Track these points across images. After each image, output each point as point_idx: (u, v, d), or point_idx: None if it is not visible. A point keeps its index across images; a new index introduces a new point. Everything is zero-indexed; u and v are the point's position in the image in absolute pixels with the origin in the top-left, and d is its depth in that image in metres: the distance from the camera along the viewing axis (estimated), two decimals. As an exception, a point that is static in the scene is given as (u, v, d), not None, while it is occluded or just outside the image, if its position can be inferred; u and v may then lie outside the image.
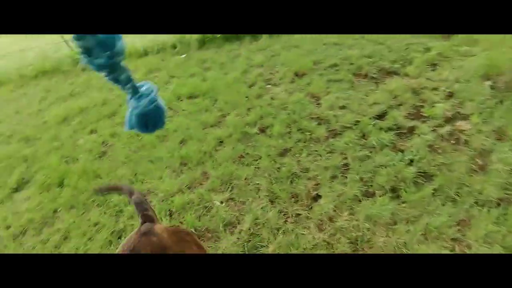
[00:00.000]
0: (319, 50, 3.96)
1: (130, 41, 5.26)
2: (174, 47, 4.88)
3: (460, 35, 3.51)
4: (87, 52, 0.68)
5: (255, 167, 2.38)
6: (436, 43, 3.50)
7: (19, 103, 4.70)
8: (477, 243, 1.55)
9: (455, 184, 1.86)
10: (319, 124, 2.66)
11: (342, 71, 3.39)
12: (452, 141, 2.19)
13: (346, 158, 2.25)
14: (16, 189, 2.81)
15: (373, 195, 1.95)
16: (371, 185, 2.00)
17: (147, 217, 1.24)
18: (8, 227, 2.38)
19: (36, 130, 3.72)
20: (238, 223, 1.97)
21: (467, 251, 1.54)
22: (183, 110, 3.34)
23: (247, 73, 3.83)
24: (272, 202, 2.06)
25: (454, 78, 2.80)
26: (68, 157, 3.04)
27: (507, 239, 1.54)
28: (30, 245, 2.18)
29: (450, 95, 2.63)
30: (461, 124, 2.31)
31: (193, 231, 1.96)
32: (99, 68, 0.71)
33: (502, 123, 2.18)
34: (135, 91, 0.82)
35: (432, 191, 1.86)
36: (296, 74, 3.55)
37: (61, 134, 3.49)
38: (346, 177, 2.10)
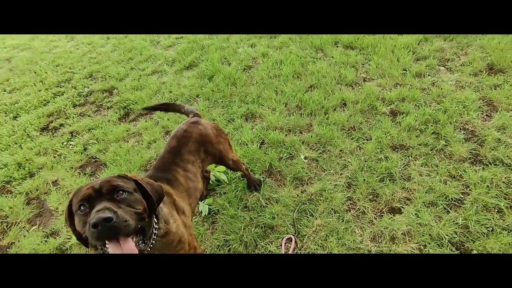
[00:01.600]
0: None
1: None
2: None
3: None
4: None
5: (358, 146, 2.20)
6: None
7: None
8: None
9: None
10: (467, 140, 2.07)
11: None
12: None
13: (467, 194, 1.75)
14: (187, 68, 3.65)
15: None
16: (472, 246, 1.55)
17: (196, 114, 1.67)
18: (170, 92, 3.24)
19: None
20: (306, 184, 2.01)
21: None
22: (331, 57, 3.20)
23: (424, 42, 3.14)
24: (349, 186, 1.95)
25: None
26: (226, 59, 3.62)
27: None
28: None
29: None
30: None
31: (269, 167, 2.15)
32: None
33: None
34: None
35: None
36: (490, 67, 2.66)
37: (231, 38, 4.08)
38: (449, 212, 1.69)
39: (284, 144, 2.30)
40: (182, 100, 3.06)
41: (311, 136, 2.31)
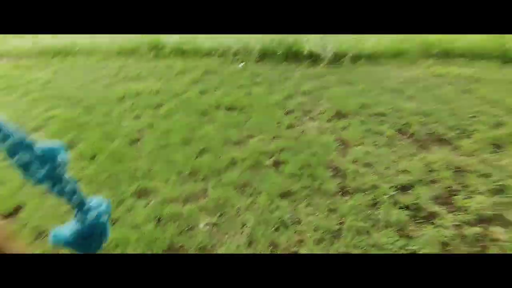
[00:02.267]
0: (372, 93, 3.69)
1: (198, 40, 5.63)
2: (235, 54, 5.07)
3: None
4: (25, 167, 0.65)
5: (252, 201, 2.35)
6: (511, 119, 2.96)
7: (99, 74, 5.44)
8: None
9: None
10: (333, 175, 2.50)
11: (386, 123, 3.11)
12: (475, 248, 1.84)
13: (342, 223, 2.07)
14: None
15: (352, 276, 1.76)
16: (355, 265, 1.81)
17: None
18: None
19: (98, 102, 4.27)
20: (211, 249, 1.98)
21: None
22: (215, 122, 3.46)
23: (290, 99, 3.78)
24: (250, 244, 2.02)
25: (513, 170, 2.34)
26: (108, 135, 3.42)
27: None
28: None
29: (500, 190, 2.21)
30: (496, 230, 1.92)
31: (169, 245, 2.04)
32: (39, 182, 0.66)
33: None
34: (81, 204, 0.75)
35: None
36: (337, 114, 3.38)
37: (113, 112, 3.94)
38: (331, 245, 1.94)
39: (183, 216, 2.25)
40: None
41: (208, 201, 2.35)
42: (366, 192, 2.30)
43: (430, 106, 3.31)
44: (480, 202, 2.10)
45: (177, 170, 2.72)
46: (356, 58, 4.53)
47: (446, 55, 4.36)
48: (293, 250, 1.93)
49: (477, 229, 1.94)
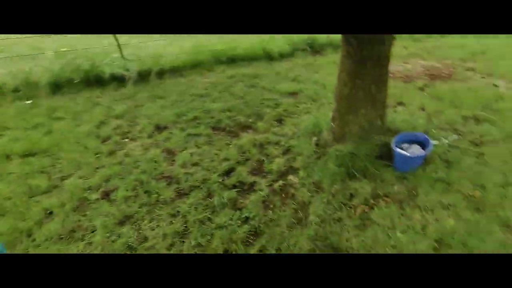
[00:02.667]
0: (184, 102, 4.04)
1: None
2: (16, 90, 4.14)
3: (303, 94, 4.19)
4: None
5: (87, 243, 2.08)
6: (284, 99, 4.06)
7: None
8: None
9: (277, 240, 2.04)
10: (168, 184, 2.60)
11: (202, 125, 3.50)
12: (282, 195, 2.45)
13: (187, 222, 2.21)
14: None
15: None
16: (207, 249, 2.00)
17: None
18: None
19: None
20: None
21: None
22: (9, 173, 2.75)
23: (104, 125, 3.54)
24: (97, 287, 1.80)
25: (292, 134, 3.25)
26: None
27: None
28: None
29: (287, 150, 3.01)
30: (291, 178, 2.63)
31: None
32: None
33: (319, 177, 2.58)
34: None
35: (259, 248, 1.98)
36: (157, 128, 3.48)
37: None
38: (184, 242, 2.05)
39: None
40: None
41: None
42: (200, 187, 2.55)
43: (231, 102, 4.01)
44: (278, 163, 2.79)
45: (-39, 254, 2.00)
46: (161, 74, 4.77)
47: (232, 60, 5.35)
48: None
49: (280, 182, 2.58)
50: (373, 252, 1.92)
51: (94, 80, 4.44)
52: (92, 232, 2.16)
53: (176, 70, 4.95)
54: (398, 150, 2.51)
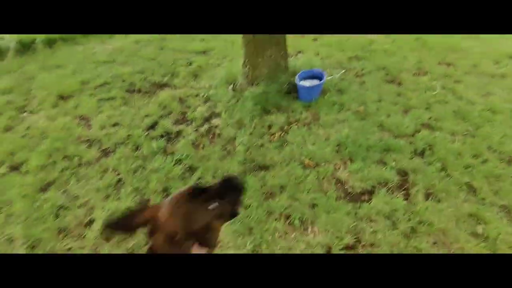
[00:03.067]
0: (87, 69, 3.70)
1: None
2: None
3: (213, 51, 4.31)
4: None
5: (6, 215, 1.90)
6: (196, 57, 4.12)
7: None
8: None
9: (212, 169, 2.25)
10: (89, 146, 2.49)
11: (114, 89, 3.32)
12: (210, 136, 2.64)
13: (119, 174, 2.22)
14: None
15: (148, 200, 2.03)
16: (145, 193, 2.08)
17: None
18: None
19: None
20: None
21: (223, 220, 1.89)
22: None
23: (-12, 103, 3.01)
24: (33, 247, 1.72)
25: (209, 86, 3.39)
26: None
27: (247, 200, 2.02)
28: None
29: (207, 99, 3.16)
30: (215, 121, 2.83)
31: None
32: None
33: (240, 116, 2.84)
34: None
35: (196, 181, 2.16)
36: (61, 97, 3.15)
37: None
38: (121, 191, 2.07)
39: None
40: None
41: None
42: (125, 143, 2.52)
43: (143, 65, 3.86)
44: (200, 111, 2.94)
45: None
46: (50, 42, 4.18)
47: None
48: (86, 220, 1.87)
49: (206, 126, 2.75)
50: (290, 164, 2.31)
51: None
52: (9, 205, 1.97)
53: (68, 38, 4.38)
54: (301, 83, 2.95)
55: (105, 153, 2.43)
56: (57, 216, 1.90)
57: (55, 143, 2.46)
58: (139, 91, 3.34)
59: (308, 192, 2.07)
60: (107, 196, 2.04)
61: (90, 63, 3.86)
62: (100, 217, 1.89)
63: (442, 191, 2.07)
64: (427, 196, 2.06)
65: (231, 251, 1.72)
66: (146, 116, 2.87)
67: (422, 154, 2.42)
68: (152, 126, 2.74)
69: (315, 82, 3.06)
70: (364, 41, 4.66)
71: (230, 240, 1.77)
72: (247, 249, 1.72)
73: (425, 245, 1.75)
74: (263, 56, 2.94)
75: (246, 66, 3.05)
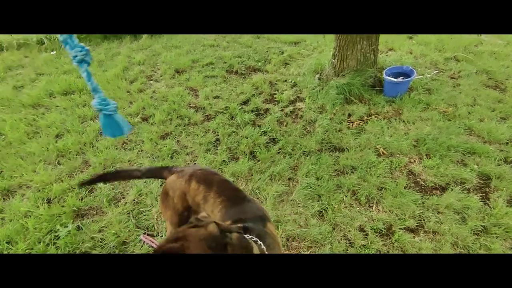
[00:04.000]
0: (197, 51, 4.42)
1: (-22, 34, 4.50)
2: (40, 42, 4.45)
3: (305, 43, 4.59)
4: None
5: (138, 151, 2.60)
6: (288, 47, 4.46)
7: None
8: (302, 179, 2.25)
9: (292, 144, 2.58)
10: (196, 111, 3.09)
11: (217, 68, 3.92)
12: (293, 116, 2.97)
13: (217, 135, 2.74)
14: None
15: (237, 159, 2.48)
16: (236, 152, 2.54)
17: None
18: None
19: None
20: (123, 197, 2.17)
21: (297, 185, 2.21)
22: (57, 106, 3.19)
23: (128, 70, 3.94)
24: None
25: (297, 73, 3.71)
26: None
27: (319, 173, 2.29)
28: None
29: (294, 85, 3.49)
30: (299, 104, 3.14)
31: (76, 210, 2.06)
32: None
33: (322, 102, 3.09)
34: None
35: (277, 150, 2.53)
36: (177, 71, 3.89)
37: None
38: (217, 148, 2.58)
39: (75, 187, 2.23)
40: None
41: (95, 167, 2.40)
42: (223, 113, 3.04)
43: (240, 51, 4.40)
44: (287, 94, 3.28)
45: (40, 159, 2.50)
46: (172, 27, 5.08)
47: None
48: (189, 164, 2.43)
49: (290, 108, 3.09)
50: (365, 150, 2.47)
51: (112, 35, 4.74)
52: (141, 144, 2.67)
53: (185, 24, 5.24)
54: (387, 77, 3.01)
55: (208, 118, 2.99)
56: (171, 157, 2.50)
57: (172, 105, 3.14)
58: (236, 72, 3.86)
59: (378, 176, 2.23)
60: (207, 150, 2.57)
61: (200, 46, 4.58)
62: (201, 163, 2.41)
63: (528, 201, 1.98)
64: (510, 202, 2.00)
65: (300, 210, 2.03)
66: (241, 93, 3.36)
67: (513, 162, 2.29)
68: (245, 102, 3.21)
69: (402, 79, 3.08)
70: (470, 41, 4.30)
71: (302, 200, 2.08)
72: (315, 210, 2.00)
73: (498, 246, 1.75)
74: (352, 50, 3.09)
75: (335, 58, 3.25)
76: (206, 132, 2.78)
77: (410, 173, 2.28)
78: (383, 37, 4.53)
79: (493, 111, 2.86)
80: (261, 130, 2.77)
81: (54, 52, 4.38)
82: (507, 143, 2.48)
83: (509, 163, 2.28)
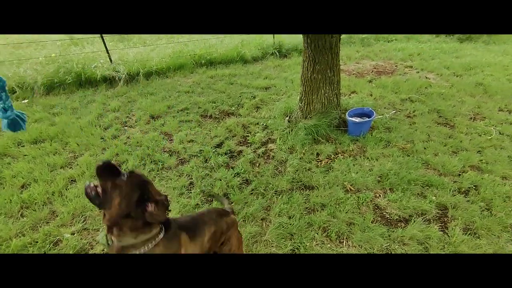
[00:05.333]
0: (172, 97, 4.58)
1: None
2: (12, 91, 4.44)
3: (275, 88, 4.92)
4: None
5: (110, 198, 2.55)
6: (259, 92, 4.75)
7: None
8: (274, 218, 2.30)
9: (264, 184, 2.66)
10: (170, 155, 3.14)
11: (191, 113, 4.07)
12: (265, 157, 3.09)
13: (191, 178, 2.77)
14: None
15: (211, 201, 2.50)
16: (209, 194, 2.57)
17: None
18: None
19: None
20: (91, 248, 2.09)
21: (270, 225, 2.25)
22: (24, 155, 3.12)
23: (102, 117, 3.98)
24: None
25: (268, 116, 3.92)
26: None
27: (291, 211, 2.35)
28: None
29: (266, 127, 3.67)
30: (271, 146, 3.29)
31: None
32: None
33: (292, 143, 3.26)
34: None
35: (250, 191, 2.59)
36: (152, 117, 3.99)
37: None
38: (191, 192, 2.60)
39: (38, 240, 2.13)
40: None
41: (63, 217, 2.32)
42: (197, 156, 3.11)
43: (215, 96, 4.62)
44: (259, 136, 3.44)
45: (0, 212, 2.38)
46: (148, 75, 5.29)
47: (211, 63, 6.00)
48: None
49: (262, 149, 3.22)
50: (333, 187, 2.60)
51: (86, 82, 4.84)
52: (113, 190, 2.63)
53: (161, 72, 5.48)
54: (350, 118, 3.28)
55: (182, 161, 3.04)
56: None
57: (146, 151, 3.17)
58: (211, 116, 4.02)
59: (346, 212, 2.32)
60: (181, 194, 2.58)
61: (175, 92, 4.77)
62: (174, 208, 2.41)
63: (483, 228, 2.14)
64: (466, 230, 2.14)
65: (274, 250, 2.05)
66: (215, 136, 3.48)
67: (466, 192, 2.49)
68: (219, 145, 3.32)
69: (364, 119, 3.36)
70: (421, 83, 4.82)
71: (274, 240, 2.11)
72: (288, 249, 2.03)
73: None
74: (317, 94, 3.38)
75: (302, 101, 3.51)
76: (180, 176, 2.81)
77: (376, 207, 2.40)
78: (345, 81, 4.97)
79: (445, 145, 3.15)
80: (235, 172, 2.84)
81: (26, 100, 4.37)
82: (459, 174, 2.71)
83: (463, 193, 2.48)
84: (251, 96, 4.62)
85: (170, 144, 3.35)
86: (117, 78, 4.91)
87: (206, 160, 3.05)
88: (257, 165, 2.96)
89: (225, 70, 5.75)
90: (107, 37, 5.60)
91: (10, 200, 2.49)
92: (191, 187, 2.68)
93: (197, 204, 2.45)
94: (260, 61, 6.44)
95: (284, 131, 3.48)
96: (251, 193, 2.58)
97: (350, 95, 4.58)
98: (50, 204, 2.48)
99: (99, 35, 5.28)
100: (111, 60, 5.23)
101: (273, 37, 6.90)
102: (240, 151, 3.20)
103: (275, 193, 2.56)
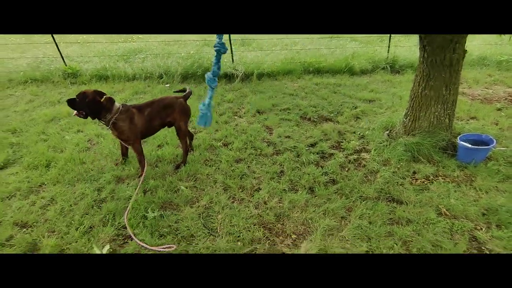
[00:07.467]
0: (278, 97, 5.04)
1: (122, 66, 6.08)
2: (160, 76, 5.74)
3: (379, 102, 4.81)
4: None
5: (216, 168, 3.11)
6: (362, 104, 4.73)
7: (5, 102, 5.08)
8: (354, 219, 2.37)
9: (350, 187, 2.74)
10: (268, 145, 3.53)
11: (292, 113, 4.41)
12: (356, 164, 3.15)
13: (283, 167, 3.08)
14: (2, 168, 3.19)
15: (296, 190, 2.75)
16: (297, 185, 2.82)
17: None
18: (-4, 192, 2.77)
19: (23, 125, 4.16)
20: (197, 201, 2.63)
21: (349, 224, 2.34)
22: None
23: (219, 106, 4.74)
24: (225, 190, 2.77)
25: (367, 127, 3.91)
26: (55, 147, 3.53)
27: (373, 218, 2.38)
28: (17, 206, 2.60)
29: (362, 137, 3.69)
30: (364, 155, 3.30)
31: (163, 203, 2.58)
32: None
33: (388, 156, 3.19)
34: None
35: (335, 190, 2.72)
36: (258, 111, 4.52)
37: (48, 130, 3.97)
38: (281, 178, 2.91)
39: (164, 185, 2.80)
40: (21, 196, 2.75)
41: (181, 174, 2.98)
42: (291, 150, 3.41)
43: (316, 101, 4.85)
44: (353, 144, 3.49)
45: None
46: (260, 76, 5.94)
47: (318, 71, 6.26)
48: (256, 187, 2.79)
49: (354, 156, 3.27)
50: (425, 207, 2.47)
51: (211, 75, 5.81)
52: (219, 163, 3.19)
53: (271, 75, 6.07)
54: (462, 142, 2.98)
55: (277, 152, 3.39)
56: (241, 178, 2.92)
57: (249, 138, 3.66)
58: (309, 119, 4.27)
59: (435, 234, 2.20)
60: (272, 178, 2.92)
61: (281, 93, 5.23)
62: (264, 188, 2.75)
63: None
64: None
65: (348, 246, 2.14)
66: (310, 137, 3.71)
67: None
68: (313, 145, 3.53)
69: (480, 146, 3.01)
70: None
71: (350, 238, 2.20)
72: (362, 249, 2.10)
73: None
74: (426, 111, 3.20)
75: (406, 117, 3.39)
76: (273, 164, 3.16)
77: (473, 239, 2.18)
78: (465, 105, 4.45)
79: None
80: (323, 171, 3.01)
81: (168, 85, 5.58)
82: None
83: None
84: (352, 106, 4.65)
85: (270, 136, 3.76)
86: (235, 75, 5.71)
87: (299, 155, 3.31)
88: (346, 169, 3.05)
89: (331, 79, 5.91)
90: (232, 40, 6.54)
91: (151, 154, 3.32)
92: (281, 174, 2.99)
93: (284, 189, 2.74)
94: (369, 74, 6.32)
95: (381, 143, 3.43)
96: (336, 192, 2.70)
97: (468, 120, 4.08)
98: (174, 162, 3.20)
99: (227, 38, 6.23)
100: (232, 60, 6.11)
101: (388, 51, 6.65)
102: (332, 154, 3.33)
103: (359, 197, 2.62)
